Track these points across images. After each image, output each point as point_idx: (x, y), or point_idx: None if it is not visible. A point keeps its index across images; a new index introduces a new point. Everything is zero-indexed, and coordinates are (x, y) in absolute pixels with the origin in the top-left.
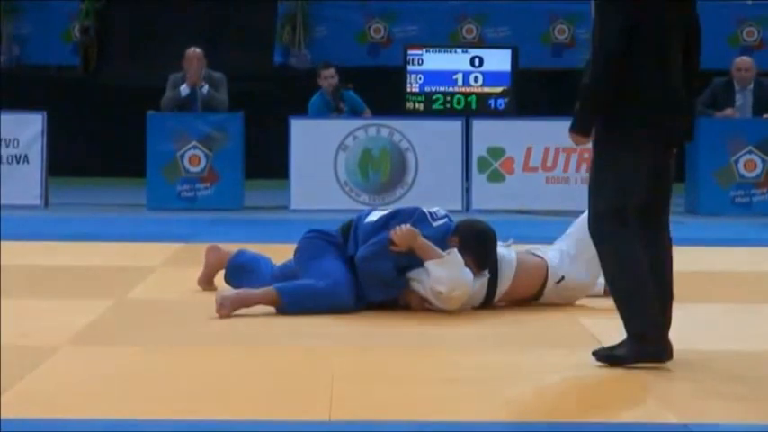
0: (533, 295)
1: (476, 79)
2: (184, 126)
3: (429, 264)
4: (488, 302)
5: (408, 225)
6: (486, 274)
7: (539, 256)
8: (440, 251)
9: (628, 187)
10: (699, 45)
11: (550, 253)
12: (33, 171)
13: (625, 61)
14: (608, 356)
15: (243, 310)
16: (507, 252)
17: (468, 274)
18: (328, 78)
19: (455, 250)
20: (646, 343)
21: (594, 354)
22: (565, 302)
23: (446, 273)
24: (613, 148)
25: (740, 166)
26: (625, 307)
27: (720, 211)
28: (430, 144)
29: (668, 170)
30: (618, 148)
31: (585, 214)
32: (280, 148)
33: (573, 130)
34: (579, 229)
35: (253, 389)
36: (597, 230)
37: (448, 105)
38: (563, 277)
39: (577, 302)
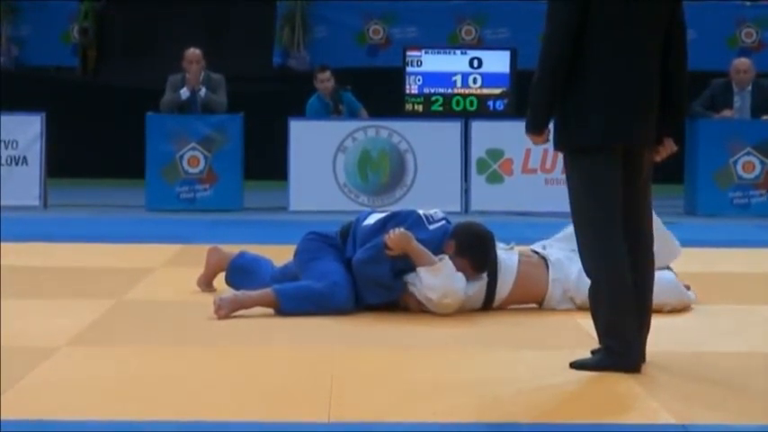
0: (535, 302)
1: (475, 81)
2: (183, 127)
3: (420, 270)
4: (488, 306)
5: (402, 229)
6: (485, 277)
7: (542, 257)
8: (432, 257)
9: (597, 193)
10: (682, 45)
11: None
12: (32, 172)
13: (571, 59)
14: (580, 365)
15: (242, 312)
16: (508, 257)
17: (459, 281)
18: (324, 81)
19: (446, 257)
20: (620, 357)
21: (572, 365)
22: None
23: (437, 280)
24: (572, 149)
25: (739, 167)
26: (604, 322)
27: (719, 212)
28: (429, 145)
29: (638, 175)
30: (577, 150)
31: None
32: (279, 149)
33: (526, 130)
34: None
35: (252, 390)
36: (582, 234)
37: (447, 107)
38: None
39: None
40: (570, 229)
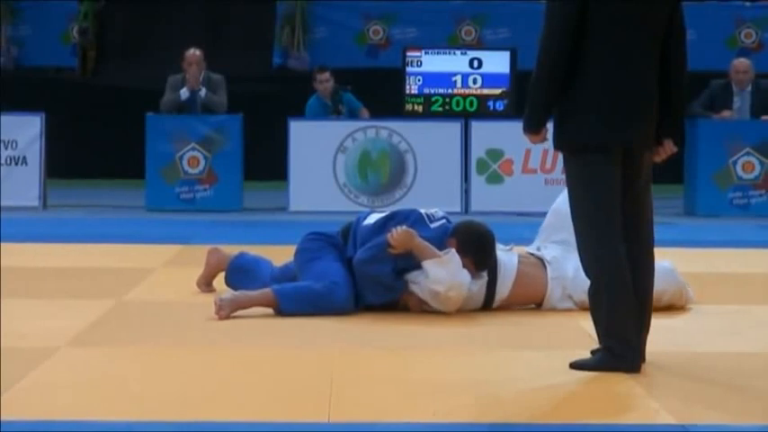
0: (535, 303)
1: (475, 81)
2: (183, 127)
3: (426, 264)
4: (488, 305)
5: (405, 226)
6: (485, 276)
7: (539, 258)
8: (437, 251)
9: (596, 193)
10: (682, 45)
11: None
12: (32, 172)
13: (570, 59)
14: (580, 365)
15: (242, 312)
16: (509, 258)
17: (465, 275)
18: (323, 82)
19: (453, 250)
20: (620, 358)
21: (571, 365)
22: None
23: (444, 272)
24: (571, 149)
25: (738, 167)
26: (604, 322)
27: (719, 212)
28: (429, 146)
29: (637, 176)
30: (577, 149)
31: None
32: (279, 149)
33: (524, 129)
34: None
35: (252, 390)
36: (582, 234)
37: (447, 107)
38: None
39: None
40: (548, 221)
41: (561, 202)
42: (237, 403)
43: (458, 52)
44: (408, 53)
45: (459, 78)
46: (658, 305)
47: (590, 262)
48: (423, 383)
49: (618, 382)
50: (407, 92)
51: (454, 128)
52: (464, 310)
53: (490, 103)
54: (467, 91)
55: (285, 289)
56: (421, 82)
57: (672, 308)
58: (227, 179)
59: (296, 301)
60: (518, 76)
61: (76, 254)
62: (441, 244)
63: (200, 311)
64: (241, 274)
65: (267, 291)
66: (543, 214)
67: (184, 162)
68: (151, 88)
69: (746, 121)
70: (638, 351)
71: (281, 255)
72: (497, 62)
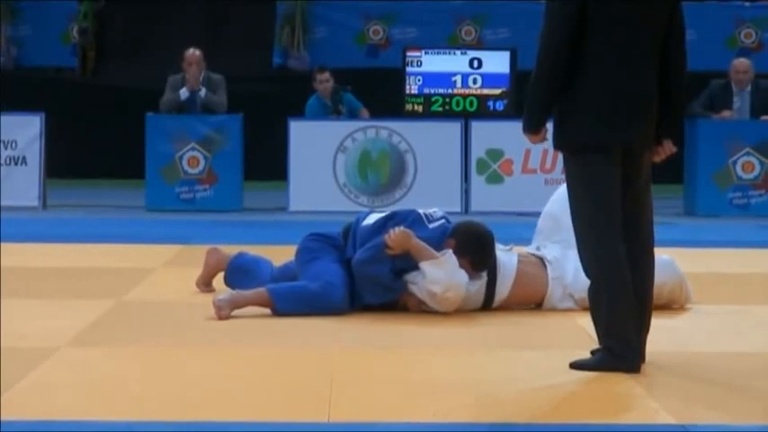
0: (535, 303)
1: (475, 81)
2: (183, 127)
3: (423, 264)
4: (487, 306)
5: (402, 227)
6: (484, 276)
7: (539, 258)
8: (434, 252)
9: (596, 193)
10: (682, 45)
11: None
12: (32, 172)
13: (569, 59)
14: (580, 365)
15: (241, 312)
16: (508, 258)
17: (462, 275)
18: (323, 82)
19: (450, 251)
20: (620, 358)
21: (571, 365)
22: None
23: (441, 273)
24: (571, 149)
25: (738, 167)
26: (604, 322)
27: (718, 212)
28: (429, 146)
29: (637, 176)
30: (576, 149)
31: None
32: (279, 149)
33: (524, 129)
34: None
35: (252, 390)
36: (581, 234)
37: (447, 107)
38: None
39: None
40: (543, 225)
41: (553, 203)
42: (237, 403)
43: (458, 52)
44: (408, 53)
45: (459, 78)
46: (659, 299)
47: (590, 262)
48: (423, 383)
49: (618, 382)
50: (407, 92)
51: (454, 128)
52: (464, 310)
53: (490, 103)
54: (467, 91)
55: (280, 288)
56: (421, 82)
57: (672, 306)
58: (227, 179)
59: (291, 300)
60: (518, 76)
61: (76, 254)
62: (439, 244)
63: (200, 311)
64: (240, 273)
65: (262, 290)
66: None
67: (184, 162)
68: (151, 88)
69: (746, 121)
70: (638, 351)
71: (281, 255)
72: (497, 62)
